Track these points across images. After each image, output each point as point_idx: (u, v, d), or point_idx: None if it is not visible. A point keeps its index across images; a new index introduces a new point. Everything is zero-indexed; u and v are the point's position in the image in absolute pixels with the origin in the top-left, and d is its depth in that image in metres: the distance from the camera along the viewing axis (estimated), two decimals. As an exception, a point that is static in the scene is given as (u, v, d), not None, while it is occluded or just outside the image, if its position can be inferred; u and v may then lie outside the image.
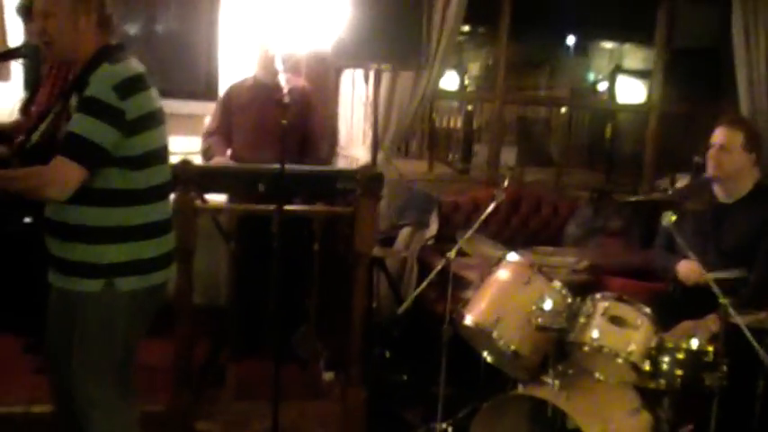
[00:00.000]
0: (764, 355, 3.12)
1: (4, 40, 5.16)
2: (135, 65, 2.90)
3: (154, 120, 2.91)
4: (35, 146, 2.93)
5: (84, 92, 2.78)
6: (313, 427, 4.21)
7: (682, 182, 4.69)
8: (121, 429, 3.05)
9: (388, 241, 5.36)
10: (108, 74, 2.79)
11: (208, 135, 4.91)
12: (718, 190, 4.11)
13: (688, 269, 3.95)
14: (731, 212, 4.03)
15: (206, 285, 4.92)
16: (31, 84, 4.36)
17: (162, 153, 3.00)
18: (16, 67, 5.05)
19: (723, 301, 3.21)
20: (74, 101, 2.83)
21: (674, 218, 3.43)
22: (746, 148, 4.00)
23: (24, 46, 3.99)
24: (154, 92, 2.93)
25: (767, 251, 3.91)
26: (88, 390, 2.94)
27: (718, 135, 4.02)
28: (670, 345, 3.28)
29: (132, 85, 2.81)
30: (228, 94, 4.98)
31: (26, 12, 4.20)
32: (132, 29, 5.30)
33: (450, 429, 3.94)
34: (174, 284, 3.66)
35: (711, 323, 3.50)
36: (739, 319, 3.15)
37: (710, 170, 4.03)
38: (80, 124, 2.74)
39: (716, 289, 3.24)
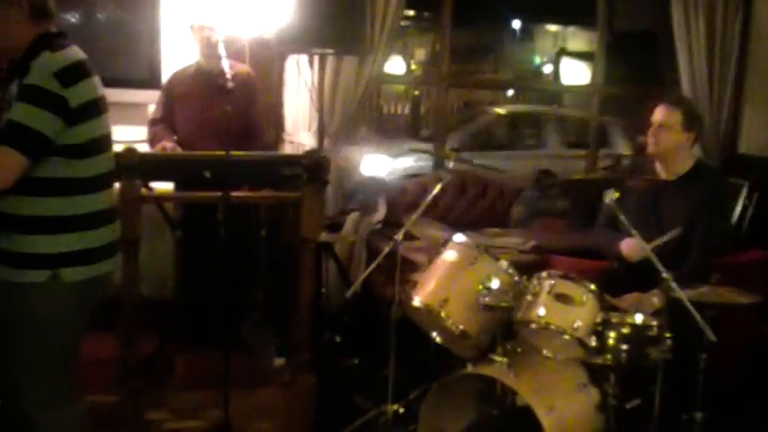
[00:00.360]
0: (706, 328, 3.18)
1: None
2: (76, 52, 2.86)
3: (96, 108, 2.87)
4: None
5: (25, 79, 2.74)
6: (264, 415, 4.20)
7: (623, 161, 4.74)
8: (68, 427, 3.01)
9: (336, 227, 5.36)
10: (49, 61, 2.75)
11: (152, 124, 4.84)
12: (659, 168, 4.16)
13: (631, 246, 4.01)
14: (672, 190, 4.09)
15: (152, 275, 4.89)
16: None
17: (105, 141, 2.96)
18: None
19: (666, 276, 3.26)
20: (13, 89, 2.79)
21: (616, 195, 3.47)
22: (685, 126, 4.06)
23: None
24: (96, 80, 2.90)
25: (705, 227, 3.98)
26: (31, 389, 2.90)
27: (658, 113, 4.08)
28: (615, 320, 3.32)
29: (74, 73, 2.77)
30: (171, 81, 4.92)
31: None
32: (73, 17, 5.22)
33: (401, 411, 3.95)
34: (120, 274, 3.63)
35: (655, 297, 3.56)
36: (681, 294, 3.21)
37: (650, 148, 4.09)
38: (20, 112, 2.70)
39: (658, 264, 3.29)
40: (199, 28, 4.69)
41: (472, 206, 6.07)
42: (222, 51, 3.77)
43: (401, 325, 3.85)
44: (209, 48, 4.60)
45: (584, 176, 4.82)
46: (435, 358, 3.99)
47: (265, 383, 4.52)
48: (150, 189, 4.22)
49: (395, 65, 13.33)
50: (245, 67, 4.93)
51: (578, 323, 3.29)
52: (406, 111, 14.07)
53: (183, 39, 5.20)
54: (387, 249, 3.94)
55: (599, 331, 3.31)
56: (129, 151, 3.78)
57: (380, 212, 5.59)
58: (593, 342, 3.31)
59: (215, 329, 3.90)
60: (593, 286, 3.39)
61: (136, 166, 3.78)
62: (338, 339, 4.65)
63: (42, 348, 2.88)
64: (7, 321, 2.89)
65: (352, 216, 5.50)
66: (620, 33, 7.13)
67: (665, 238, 3.68)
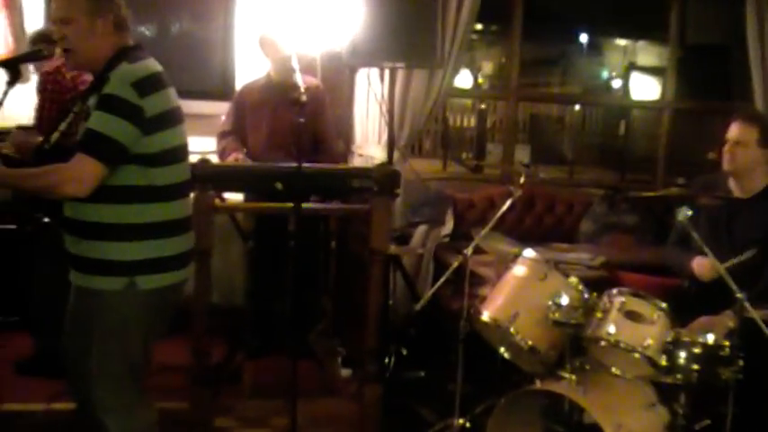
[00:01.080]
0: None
1: (24, 42, 5.22)
2: (153, 64, 2.91)
3: (173, 118, 2.91)
4: (54, 146, 2.96)
5: (103, 89, 2.79)
6: (330, 424, 4.23)
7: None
8: None
9: (404, 239, 5.38)
10: (127, 72, 2.80)
11: (222, 136, 4.92)
12: (732, 185, 4.10)
13: (703, 265, 3.96)
14: (746, 208, 4.02)
15: (223, 284, 4.95)
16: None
17: (181, 151, 3.00)
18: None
19: (739, 295, 3.21)
20: (93, 100, 2.85)
21: (689, 213, 3.43)
22: (761, 143, 3.99)
23: (44, 48, 4.02)
24: (172, 91, 2.94)
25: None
26: (104, 395, 2.94)
27: (733, 130, 4.02)
28: (686, 339, 3.28)
29: (151, 83, 2.82)
30: (241, 93, 5.00)
31: (45, 39, 4.22)
32: (148, 30, 5.33)
33: (467, 425, 3.95)
34: (192, 283, 3.68)
35: (728, 318, 3.49)
36: (755, 314, 3.15)
37: (725, 165, 4.03)
38: (99, 121, 2.76)
39: (731, 283, 3.24)
40: (270, 42, 4.75)
41: (540, 220, 6.06)
42: (295, 64, 3.81)
43: (468, 339, 3.85)
44: (281, 61, 4.67)
45: (654, 194, 4.75)
46: (502, 373, 3.98)
47: (332, 394, 4.56)
48: (223, 200, 4.27)
49: (462, 78, 13.33)
50: (314, 81, 4.98)
51: (648, 341, 3.26)
52: (472, 123, 14.04)
53: (255, 51, 5.27)
54: (456, 263, 3.94)
55: (669, 350, 3.28)
56: (204, 162, 3.83)
57: (448, 226, 5.61)
58: (663, 361, 3.27)
59: (283, 339, 3.94)
60: (663, 304, 3.36)
61: (209, 177, 3.83)
62: (405, 352, 4.65)
63: (116, 354, 2.92)
64: (83, 326, 2.94)
65: (421, 229, 5.52)
66: (692, 47, 7.04)
67: (739, 259, 3.62)
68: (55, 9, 2.91)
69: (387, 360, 4.47)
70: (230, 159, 4.67)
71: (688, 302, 3.88)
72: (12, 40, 5.17)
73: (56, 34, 2.93)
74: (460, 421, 3.93)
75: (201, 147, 4.46)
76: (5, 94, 2.74)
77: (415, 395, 4.51)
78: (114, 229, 2.84)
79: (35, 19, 5.21)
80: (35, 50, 3.17)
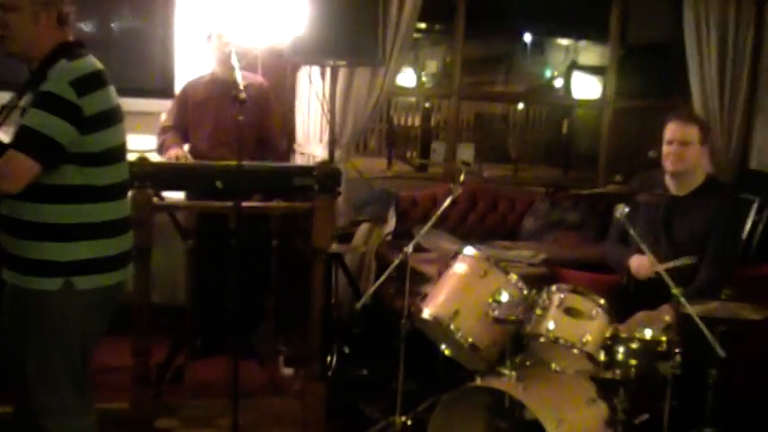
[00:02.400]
0: (716, 344, 3.17)
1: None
2: (93, 62, 2.88)
3: (112, 117, 2.88)
4: None
5: (41, 86, 2.76)
6: (274, 424, 4.21)
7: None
8: None
9: (347, 237, 5.37)
10: (66, 70, 2.77)
11: (163, 131, 4.87)
12: (670, 183, 4.16)
13: (640, 263, 4.01)
14: (683, 205, 4.09)
15: (164, 284, 4.91)
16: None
17: (120, 151, 2.98)
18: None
19: (675, 291, 3.27)
20: (29, 96, 2.81)
21: (626, 210, 3.48)
22: (701, 141, 4.07)
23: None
24: (112, 89, 2.91)
25: (717, 243, 3.98)
26: (42, 397, 2.91)
27: (676, 130, 4.06)
28: (624, 335, 3.32)
29: (90, 82, 2.79)
30: (185, 90, 4.96)
31: None
32: (87, 25, 5.26)
33: (409, 423, 3.96)
34: (132, 283, 3.64)
35: (665, 314, 3.55)
36: (691, 309, 3.21)
37: (672, 165, 4.06)
38: (35, 118, 2.73)
39: (668, 280, 3.30)
40: (218, 36, 4.72)
41: (483, 218, 6.09)
42: (236, 62, 3.79)
43: (411, 337, 3.86)
44: (225, 57, 4.64)
45: (595, 191, 4.80)
46: (444, 370, 4.00)
47: (275, 393, 4.53)
48: (162, 198, 4.23)
49: (406, 77, 13.36)
50: (259, 78, 4.97)
51: (587, 337, 3.30)
52: (417, 122, 14.08)
53: (197, 48, 5.23)
54: (397, 261, 3.95)
55: (608, 346, 3.31)
56: (142, 160, 3.79)
57: (390, 224, 5.61)
58: (602, 356, 3.31)
59: (226, 338, 3.92)
60: (602, 300, 3.39)
61: (148, 175, 3.79)
62: (347, 350, 4.65)
63: (55, 355, 2.89)
64: (22, 326, 2.90)
65: (363, 227, 5.52)
66: (632, 47, 7.13)
67: (676, 264, 3.66)
68: None
69: (330, 358, 4.47)
70: (170, 154, 4.63)
71: (627, 298, 3.93)
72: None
73: None
74: (403, 419, 3.94)
75: (140, 145, 4.41)
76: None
77: (359, 393, 4.51)
78: (51, 228, 2.81)
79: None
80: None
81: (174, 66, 5.37)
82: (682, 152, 4.04)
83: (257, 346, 4.65)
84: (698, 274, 3.91)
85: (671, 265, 3.59)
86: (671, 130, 4.08)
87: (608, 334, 3.32)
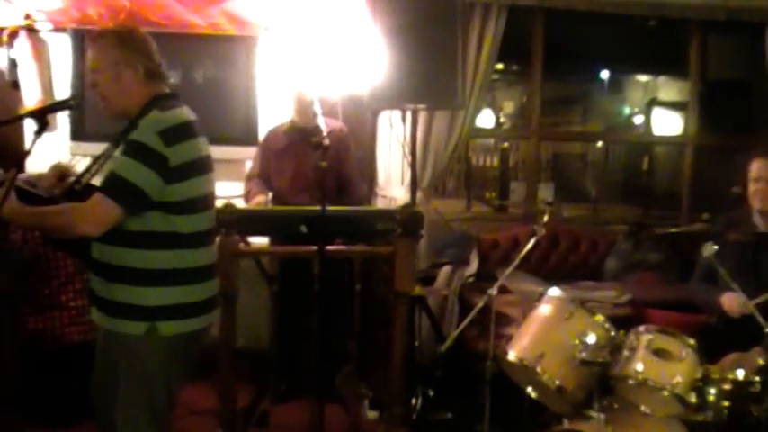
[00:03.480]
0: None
1: (52, 93, 5.33)
2: (184, 113, 2.93)
3: (199, 167, 2.92)
4: (85, 187, 2.99)
5: (130, 135, 2.83)
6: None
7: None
8: None
9: (429, 280, 5.38)
10: (155, 120, 2.83)
11: (248, 179, 4.99)
12: (758, 220, 4.09)
13: (732, 301, 3.94)
14: (772, 243, 4.01)
15: (249, 328, 4.95)
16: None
17: (206, 200, 3.01)
18: (62, 119, 5.22)
19: (768, 330, 3.20)
20: (122, 146, 2.89)
21: (715, 248, 3.42)
22: None
23: (72, 98, 4.09)
24: (202, 140, 2.96)
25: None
26: None
27: (764, 168, 4.02)
28: (716, 376, 3.25)
29: (178, 133, 2.84)
30: (267, 138, 5.06)
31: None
32: (172, 78, 5.39)
33: (496, 466, 3.92)
34: (218, 327, 3.69)
35: (757, 355, 3.46)
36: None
37: (761, 203, 4.03)
38: (122, 165, 2.78)
39: (761, 320, 3.22)
40: (297, 93, 4.82)
41: (565, 259, 6.05)
42: (317, 109, 3.85)
43: (495, 379, 3.83)
44: (303, 105, 4.72)
45: (680, 229, 4.74)
46: (530, 414, 3.95)
47: (360, 437, 4.53)
48: (248, 243, 4.29)
49: (483, 117, 13.36)
50: (338, 124, 5.03)
51: (677, 379, 3.24)
52: (495, 163, 14.05)
53: (278, 96, 5.33)
54: (481, 303, 3.94)
55: (699, 387, 3.25)
56: (228, 207, 3.86)
57: (473, 266, 5.60)
58: (693, 398, 3.24)
59: (309, 382, 3.94)
60: (692, 341, 3.33)
61: (234, 222, 3.86)
62: (431, 393, 4.63)
63: (139, 398, 2.92)
64: (110, 366, 2.95)
65: (445, 269, 5.52)
66: (712, 82, 7.03)
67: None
68: (90, 57, 2.97)
69: (413, 402, 4.45)
70: (254, 202, 4.71)
71: (716, 339, 3.84)
72: (41, 91, 5.28)
73: (88, 80, 3.00)
74: (489, 462, 3.90)
75: (226, 191, 4.49)
76: (34, 142, 2.78)
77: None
78: (136, 273, 2.85)
79: (63, 72, 5.31)
80: (62, 101, 3.21)
81: (257, 114, 5.47)
82: None
83: (341, 390, 4.66)
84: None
85: (763, 298, 3.52)
86: (759, 167, 4.02)
87: (698, 375, 3.26)
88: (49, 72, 5.38)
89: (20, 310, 4.47)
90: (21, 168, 3.17)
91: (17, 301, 4.43)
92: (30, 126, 2.88)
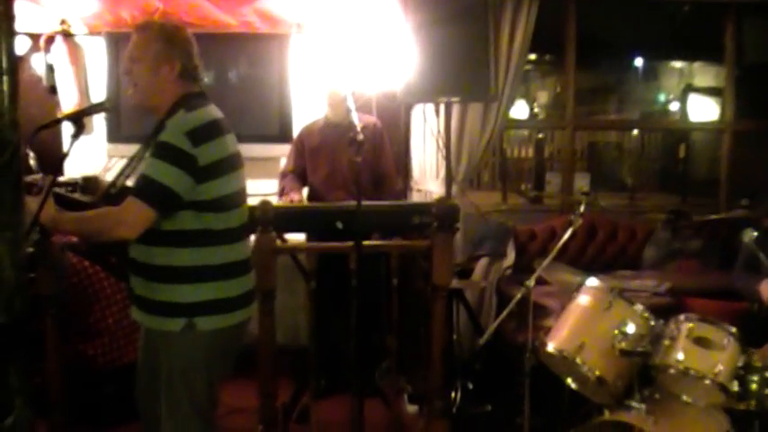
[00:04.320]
0: None
1: (88, 96, 5.40)
2: (212, 112, 2.95)
3: (228, 165, 2.94)
4: (121, 190, 3.03)
5: (159, 136, 2.86)
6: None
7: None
8: None
9: (466, 273, 5.37)
10: (182, 120, 2.85)
11: (283, 176, 5.02)
12: (798, 206, 4.04)
13: (772, 288, 3.90)
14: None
15: (287, 324, 4.98)
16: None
17: (237, 197, 3.03)
18: (99, 121, 5.28)
19: (809, 317, 3.16)
20: (151, 147, 2.92)
21: (754, 234, 3.39)
22: None
23: (108, 100, 4.13)
24: (230, 138, 2.97)
25: None
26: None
27: None
28: (758, 364, 3.22)
29: (205, 132, 2.85)
30: (301, 134, 5.08)
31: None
32: (206, 76, 5.43)
33: (537, 458, 3.91)
34: (256, 324, 3.71)
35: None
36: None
37: None
38: (152, 167, 2.81)
39: (802, 306, 3.19)
40: (331, 91, 4.84)
41: (603, 249, 6.02)
42: (351, 104, 3.86)
43: (534, 371, 3.82)
44: (337, 101, 4.73)
45: (719, 216, 4.69)
46: (570, 405, 3.94)
47: (400, 430, 4.54)
48: (284, 240, 4.31)
49: (518, 109, 13.31)
50: (372, 119, 5.03)
51: (719, 367, 3.21)
52: (530, 154, 14.00)
53: (311, 93, 5.35)
54: (519, 295, 3.93)
55: (741, 376, 3.22)
56: (264, 204, 3.87)
57: (510, 258, 5.59)
58: (735, 387, 3.21)
59: (349, 377, 3.95)
60: (733, 329, 3.30)
61: (271, 219, 3.87)
62: (471, 386, 4.63)
63: (181, 394, 2.95)
64: (153, 364, 3.01)
65: (482, 262, 5.51)
66: (749, 66, 6.94)
67: None
68: (131, 45, 2.98)
69: (453, 395, 4.45)
70: (288, 199, 4.72)
71: (757, 326, 3.81)
72: (77, 95, 5.35)
73: (123, 66, 3.02)
74: (530, 454, 3.89)
75: (261, 189, 4.52)
76: (71, 145, 2.81)
77: (484, 430, 4.48)
78: (171, 271, 2.90)
79: (99, 75, 5.38)
80: (98, 104, 3.25)
81: (291, 111, 5.50)
82: None
83: (380, 385, 4.67)
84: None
85: None
86: None
87: (741, 363, 3.23)
88: (85, 75, 5.45)
89: (67, 332, 4.50)
90: (60, 171, 3.21)
91: (60, 302, 4.48)
92: (67, 129, 2.92)
